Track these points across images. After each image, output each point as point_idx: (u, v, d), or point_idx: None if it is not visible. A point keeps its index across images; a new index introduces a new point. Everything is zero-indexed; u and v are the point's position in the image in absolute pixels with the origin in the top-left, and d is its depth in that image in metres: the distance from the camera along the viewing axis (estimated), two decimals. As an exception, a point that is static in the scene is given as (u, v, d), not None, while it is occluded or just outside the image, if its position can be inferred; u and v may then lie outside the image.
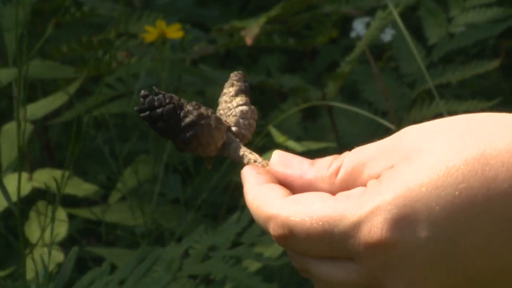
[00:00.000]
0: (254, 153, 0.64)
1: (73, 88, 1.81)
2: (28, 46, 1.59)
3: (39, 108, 1.76)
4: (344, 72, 1.84)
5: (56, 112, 1.86)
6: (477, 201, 0.53)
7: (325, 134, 1.93)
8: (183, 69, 1.83)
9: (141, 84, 1.83)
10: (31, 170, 1.63)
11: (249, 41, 1.74)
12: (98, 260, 1.65)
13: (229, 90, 0.67)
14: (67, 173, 1.62)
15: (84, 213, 1.76)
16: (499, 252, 0.54)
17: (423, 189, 0.53)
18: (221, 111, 0.68)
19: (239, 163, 0.65)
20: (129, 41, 1.86)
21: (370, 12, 2.23)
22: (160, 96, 0.62)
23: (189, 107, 0.63)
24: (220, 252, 1.59)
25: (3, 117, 1.99)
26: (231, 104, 0.67)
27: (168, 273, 1.59)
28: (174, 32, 1.65)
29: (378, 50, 2.34)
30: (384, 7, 2.11)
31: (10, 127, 1.74)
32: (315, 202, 0.56)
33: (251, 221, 1.63)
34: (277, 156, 0.62)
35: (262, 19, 1.76)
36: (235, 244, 1.61)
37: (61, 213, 1.63)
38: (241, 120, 0.67)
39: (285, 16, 1.91)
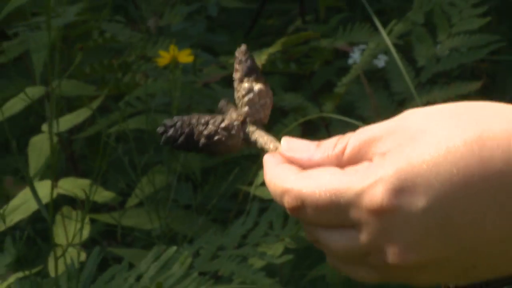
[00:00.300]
0: (270, 136, 0.66)
1: (95, 104, 1.87)
2: (56, 68, 1.70)
3: (64, 123, 1.80)
4: (340, 93, 1.92)
5: (80, 126, 1.92)
6: (473, 179, 0.56)
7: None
8: (194, 90, 1.90)
9: (157, 102, 1.90)
10: (56, 179, 1.68)
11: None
12: (118, 260, 1.71)
13: (236, 74, 0.67)
14: (92, 183, 1.70)
15: (104, 217, 1.82)
16: (492, 227, 0.56)
17: (424, 165, 0.56)
18: (236, 99, 0.68)
19: (261, 149, 0.66)
20: (145, 64, 1.93)
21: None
22: (172, 130, 0.65)
23: (200, 128, 0.66)
24: (227, 252, 1.68)
25: (30, 131, 2.04)
26: (240, 93, 0.67)
27: (180, 269, 1.64)
28: (185, 56, 1.71)
29: (371, 71, 2.40)
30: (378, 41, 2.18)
31: (38, 139, 1.80)
32: (325, 175, 0.59)
33: (256, 223, 1.71)
34: (285, 142, 0.63)
35: (264, 55, 1.80)
36: (241, 244, 1.68)
37: (84, 217, 1.69)
38: (252, 108, 0.67)
39: (286, 48, 1.97)
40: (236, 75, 0.67)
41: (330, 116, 1.93)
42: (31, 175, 1.77)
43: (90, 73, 1.96)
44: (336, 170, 0.59)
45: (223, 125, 0.66)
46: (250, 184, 1.78)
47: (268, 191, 1.50)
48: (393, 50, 2.10)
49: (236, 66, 0.67)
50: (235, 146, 0.66)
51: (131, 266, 1.67)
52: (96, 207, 1.79)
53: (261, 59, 1.82)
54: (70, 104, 1.92)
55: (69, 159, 2.02)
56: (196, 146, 0.66)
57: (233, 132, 0.66)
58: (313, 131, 2.09)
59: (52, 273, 1.68)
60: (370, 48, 2.18)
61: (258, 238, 1.70)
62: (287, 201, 0.61)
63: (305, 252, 1.93)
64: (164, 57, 1.74)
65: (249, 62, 0.66)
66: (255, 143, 0.66)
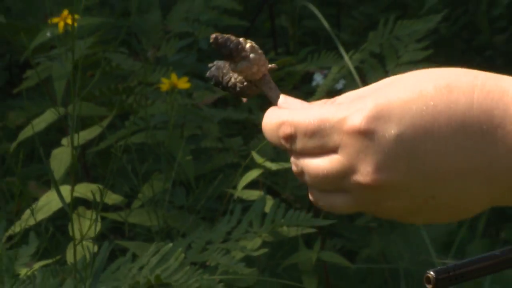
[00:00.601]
0: (274, 88, 0.66)
1: (105, 123, 1.98)
2: (72, 91, 1.78)
3: (80, 138, 1.84)
4: None
5: (92, 141, 2.00)
6: (439, 117, 0.59)
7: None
8: (187, 110, 1.99)
9: (155, 120, 2.01)
10: (74, 183, 1.74)
11: (245, 100, 2.04)
12: (123, 251, 1.80)
13: (226, 56, 0.66)
14: (102, 188, 1.79)
15: (112, 216, 1.92)
16: (450, 161, 0.59)
17: (399, 102, 0.59)
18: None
19: (268, 95, 0.67)
20: (146, 88, 2.00)
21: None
22: (224, 39, 0.62)
23: (225, 79, 0.65)
24: (214, 246, 1.76)
25: (50, 144, 2.11)
26: (231, 75, 0.67)
27: (175, 260, 1.72)
28: (183, 83, 1.79)
29: (332, 93, 2.47)
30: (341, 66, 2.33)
31: (58, 151, 1.90)
32: (314, 108, 0.62)
33: (238, 222, 1.79)
34: (282, 98, 0.65)
35: None
36: (226, 239, 1.78)
37: (96, 216, 1.76)
38: (256, 67, 0.67)
39: (266, 73, 2.16)
40: (224, 56, 0.66)
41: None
42: (55, 181, 1.84)
43: (100, 96, 2.07)
44: (323, 104, 0.62)
45: (240, 81, 0.67)
46: (234, 188, 1.84)
47: (248, 193, 1.60)
48: (354, 73, 2.20)
49: (219, 49, 0.65)
50: (251, 93, 0.67)
51: (134, 256, 1.77)
52: (106, 208, 1.84)
53: (243, 85, 1.92)
54: (84, 122, 1.96)
55: (83, 167, 2.09)
56: (238, 54, 0.66)
57: (263, 58, 0.66)
58: (283, 144, 2.21)
59: (69, 262, 1.76)
60: (333, 72, 2.27)
61: (240, 234, 1.77)
62: (283, 131, 0.63)
63: (279, 245, 1.98)
64: (165, 83, 1.83)
65: (228, 43, 0.65)
66: (264, 92, 0.67)
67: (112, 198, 1.87)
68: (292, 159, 0.63)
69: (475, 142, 0.58)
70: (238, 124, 2.29)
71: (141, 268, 1.71)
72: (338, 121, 0.59)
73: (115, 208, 1.95)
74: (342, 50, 2.38)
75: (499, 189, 0.61)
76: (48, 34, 1.97)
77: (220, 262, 1.74)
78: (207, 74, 0.66)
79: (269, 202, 1.82)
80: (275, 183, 2.15)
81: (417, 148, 0.58)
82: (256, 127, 2.13)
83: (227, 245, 1.76)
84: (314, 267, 1.97)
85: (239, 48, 0.64)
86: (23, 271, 1.71)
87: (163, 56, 2.22)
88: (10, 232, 1.86)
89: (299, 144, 0.61)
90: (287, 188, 2.14)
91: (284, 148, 0.64)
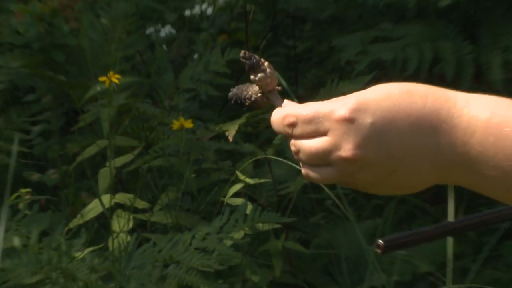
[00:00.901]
0: (280, 99, 0.75)
1: (136, 151, 2.20)
2: (113, 129, 2.05)
3: (117, 161, 2.13)
4: (277, 143, 2.20)
5: (126, 164, 2.25)
6: (402, 112, 0.67)
7: (265, 175, 2.29)
8: (192, 143, 2.19)
9: (170, 149, 2.21)
10: (113, 194, 1.99)
11: (230, 139, 2.07)
12: (147, 240, 1.98)
13: (247, 67, 0.73)
14: (133, 196, 2.04)
15: (140, 216, 2.11)
16: (408, 145, 0.66)
17: (373, 100, 0.67)
18: (253, 81, 0.73)
19: (274, 103, 0.74)
20: (163, 127, 2.23)
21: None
22: (249, 56, 0.72)
23: (244, 94, 0.75)
24: (211, 236, 1.94)
25: (97, 165, 2.36)
26: (256, 76, 0.73)
27: (183, 246, 1.92)
28: (188, 124, 1.97)
29: None
30: None
31: (103, 171, 2.14)
32: (312, 104, 0.69)
33: (227, 220, 1.99)
34: (286, 102, 0.75)
35: (235, 126, 2.04)
36: (219, 232, 1.96)
37: (129, 216, 1.98)
38: (267, 81, 0.73)
39: (248, 118, 2.17)
40: (247, 67, 0.73)
41: (270, 157, 2.20)
42: (100, 191, 2.08)
43: (132, 132, 2.28)
44: (324, 101, 0.68)
45: (255, 93, 0.74)
46: (224, 196, 2.01)
47: (235, 201, 1.97)
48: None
49: (245, 62, 0.73)
50: (263, 105, 0.74)
51: (155, 244, 1.95)
52: (135, 210, 2.07)
53: (234, 127, 2.08)
54: (120, 151, 2.22)
55: (119, 182, 2.30)
56: (243, 104, 0.75)
57: (258, 96, 0.74)
58: (261, 166, 2.40)
59: (110, 248, 1.94)
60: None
61: (229, 228, 1.98)
62: (287, 120, 0.69)
63: (256, 236, 2.20)
64: (176, 124, 2.01)
65: (252, 58, 0.72)
66: (272, 102, 0.74)
67: (140, 203, 2.09)
68: (292, 141, 0.69)
69: (425, 133, 0.65)
70: (228, 152, 2.48)
71: (160, 251, 1.90)
72: (329, 112, 0.65)
73: (142, 210, 2.16)
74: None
75: (441, 170, 0.67)
76: (98, 88, 2.20)
77: (216, 248, 1.92)
78: (229, 95, 0.74)
79: (249, 206, 1.99)
80: (253, 193, 2.34)
81: (384, 134, 0.65)
82: (240, 154, 2.36)
83: (220, 236, 1.94)
84: (280, 252, 2.14)
85: (260, 63, 0.71)
86: (77, 255, 1.88)
87: (175, 104, 2.46)
88: (67, 228, 2.05)
89: (299, 129, 0.67)
90: (262, 196, 2.33)
91: (286, 134, 0.70)
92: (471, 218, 0.81)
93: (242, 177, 1.99)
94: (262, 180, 2.14)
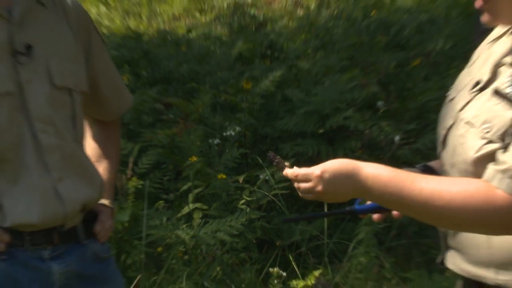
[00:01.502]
0: (287, 163, 1.27)
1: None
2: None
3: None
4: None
5: None
6: (340, 172, 1.21)
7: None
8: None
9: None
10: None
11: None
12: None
13: (275, 162, 1.29)
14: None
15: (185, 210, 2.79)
16: (343, 185, 1.22)
17: (330, 168, 1.21)
18: (279, 163, 1.29)
19: (281, 168, 1.30)
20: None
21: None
22: (272, 156, 1.30)
23: (278, 159, 1.31)
24: (224, 227, 2.53)
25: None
26: (276, 159, 1.29)
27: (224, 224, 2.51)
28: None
29: None
30: None
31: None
32: (305, 168, 1.21)
33: (232, 217, 2.56)
34: (290, 168, 1.26)
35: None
36: (225, 225, 2.50)
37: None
38: (283, 163, 1.28)
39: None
40: (270, 158, 1.30)
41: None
42: None
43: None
44: (307, 168, 1.21)
45: (277, 162, 1.30)
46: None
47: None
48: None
49: (269, 156, 1.31)
50: (280, 167, 1.29)
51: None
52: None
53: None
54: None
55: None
56: (272, 162, 1.30)
57: (283, 162, 1.29)
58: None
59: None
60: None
61: (232, 222, 2.57)
62: (295, 174, 1.23)
63: (247, 227, 2.70)
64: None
65: (277, 159, 1.28)
66: (282, 168, 1.29)
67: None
68: (295, 184, 1.24)
69: (350, 182, 1.20)
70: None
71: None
72: (311, 172, 1.19)
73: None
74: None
75: (356, 195, 1.24)
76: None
77: (223, 238, 2.46)
78: (268, 154, 1.32)
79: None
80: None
81: (333, 182, 1.20)
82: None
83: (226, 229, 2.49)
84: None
85: (278, 159, 1.29)
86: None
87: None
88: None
89: (299, 178, 1.23)
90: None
91: (293, 180, 1.26)
92: (336, 211, 1.48)
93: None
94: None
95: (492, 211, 1.08)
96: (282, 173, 1.27)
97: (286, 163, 1.27)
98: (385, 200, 1.18)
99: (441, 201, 1.11)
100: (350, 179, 1.18)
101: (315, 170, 1.19)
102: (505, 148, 1.11)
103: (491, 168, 1.10)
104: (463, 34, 4.66)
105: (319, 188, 1.20)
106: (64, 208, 1.39)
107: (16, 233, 1.35)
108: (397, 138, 3.40)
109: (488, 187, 1.09)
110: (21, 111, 1.33)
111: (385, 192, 1.16)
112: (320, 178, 1.19)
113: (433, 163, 1.38)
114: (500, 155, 1.10)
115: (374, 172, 1.17)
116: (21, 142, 1.33)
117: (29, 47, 1.34)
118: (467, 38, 4.48)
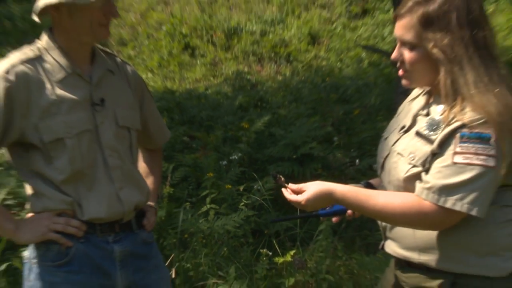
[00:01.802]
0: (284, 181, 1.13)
1: None
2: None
3: None
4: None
5: None
6: (320, 192, 1.14)
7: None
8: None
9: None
10: None
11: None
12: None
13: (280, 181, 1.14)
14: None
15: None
16: (322, 200, 1.13)
17: (311, 190, 1.13)
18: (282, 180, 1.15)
19: (281, 185, 1.16)
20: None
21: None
22: (276, 175, 1.17)
23: (279, 177, 1.19)
24: (230, 222, 2.48)
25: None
26: (278, 177, 1.18)
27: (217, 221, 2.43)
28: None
29: None
30: None
31: None
32: (298, 185, 1.15)
33: (235, 214, 2.45)
34: (290, 185, 1.13)
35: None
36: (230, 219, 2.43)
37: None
38: (283, 180, 1.16)
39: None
40: (275, 178, 1.19)
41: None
42: None
43: None
44: (300, 194, 1.13)
45: (278, 180, 1.20)
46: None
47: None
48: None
49: (277, 177, 1.19)
50: (279, 183, 1.17)
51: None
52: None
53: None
54: None
55: None
56: (275, 179, 1.20)
57: (283, 180, 1.18)
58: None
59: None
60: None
61: (235, 218, 2.51)
62: (290, 188, 1.17)
63: (245, 221, 2.62)
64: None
65: (281, 179, 1.19)
66: (283, 185, 1.16)
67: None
68: (291, 201, 1.17)
69: (327, 199, 1.14)
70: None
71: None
72: (301, 196, 1.16)
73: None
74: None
75: (334, 202, 1.17)
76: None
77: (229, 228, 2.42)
78: (271, 173, 1.24)
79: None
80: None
81: (313, 203, 1.15)
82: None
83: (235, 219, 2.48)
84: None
85: (278, 177, 1.19)
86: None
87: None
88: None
89: (292, 191, 1.18)
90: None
91: (286, 192, 1.19)
92: (306, 214, 1.29)
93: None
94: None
95: (423, 216, 1.08)
96: (282, 188, 1.22)
97: (283, 179, 1.22)
98: (350, 208, 1.21)
99: (389, 209, 1.11)
100: (327, 199, 1.17)
101: (303, 196, 1.18)
102: (426, 171, 1.10)
103: (418, 186, 1.10)
104: (386, 94, 4.67)
105: (305, 206, 1.20)
106: (123, 208, 1.38)
107: (91, 225, 1.35)
108: (346, 161, 3.42)
109: (419, 200, 1.09)
110: (96, 142, 1.33)
111: (351, 205, 1.17)
112: (306, 201, 1.19)
113: (372, 181, 1.36)
114: (424, 177, 1.09)
115: (342, 192, 1.16)
116: (95, 163, 1.33)
117: (102, 100, 1.35)
118: (389, 97, 4.43)
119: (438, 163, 1.03)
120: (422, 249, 1.14)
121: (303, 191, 1.15)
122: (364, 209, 1.12)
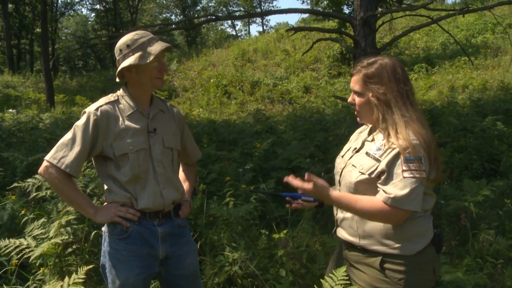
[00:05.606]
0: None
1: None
2: None
3: None
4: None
5: None
6: (323, 190, 1.01)
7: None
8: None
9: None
10: None
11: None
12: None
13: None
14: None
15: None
16: (337, 204, 1.02)
17: (319, 185, 0.98)
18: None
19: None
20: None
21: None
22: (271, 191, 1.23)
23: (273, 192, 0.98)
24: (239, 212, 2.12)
25: None
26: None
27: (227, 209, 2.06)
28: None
29: None
30: None
31: None
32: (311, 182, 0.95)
33: (247, 205, 2.12)
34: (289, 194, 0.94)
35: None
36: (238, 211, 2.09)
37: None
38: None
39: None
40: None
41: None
42: None
43: None
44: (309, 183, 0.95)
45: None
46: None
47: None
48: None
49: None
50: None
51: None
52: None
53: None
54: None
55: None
56: (277, 193, 0.98)
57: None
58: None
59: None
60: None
61: (247, 207, 2.18)
62: (301, 187, 0.98)
63: (253, 209, 2.33)
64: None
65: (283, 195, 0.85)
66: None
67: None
68: (301, 185, 1.01)
69: (326, 194, 0.94)
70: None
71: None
72: (309, 185, 0.99)
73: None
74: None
75: (328, 202, 1.01)
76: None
77: (236, 216, 2.07)
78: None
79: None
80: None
81: (320, 187, 1.00)
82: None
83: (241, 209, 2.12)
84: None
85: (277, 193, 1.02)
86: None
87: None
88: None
89: (303, 187, 1.02)
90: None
91: (301, 184, 0.96)
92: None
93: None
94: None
95: (386, 213, 1.04)
96: (290, 178, 1.09)
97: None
98: (340, 207, 1.12)
99: (365, 209, 1.07)
100: (325, 194, 1.11)
101: (312, 183, 1.08)
102: (372, 178, 1.08)
103: (380, 194, 1.06)
104: (351, 127, 4.51)
105: (311, 191, 1.10)
106: (164, 202, 1.34)
107: (143, 213, 1.32)
108: (322, 171, 3.25)
109: (384, 205, 1.06)
110: (149, 156, 1.31)
111: (340, 205, 1.10)
112: (314, 185, 1.10)
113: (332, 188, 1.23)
114: (383, 187, 1.05)
115: (338, 194, 1.11)
116: (147, 170, 1.31)
117: (155, 129, 1.33)
118: (354, 129, 4.28)
119: (394, 179, 1.01)
120: (362, 236, 1.10)
121: (312, 181, 1.08)
122: (348, 209, 1.07)
